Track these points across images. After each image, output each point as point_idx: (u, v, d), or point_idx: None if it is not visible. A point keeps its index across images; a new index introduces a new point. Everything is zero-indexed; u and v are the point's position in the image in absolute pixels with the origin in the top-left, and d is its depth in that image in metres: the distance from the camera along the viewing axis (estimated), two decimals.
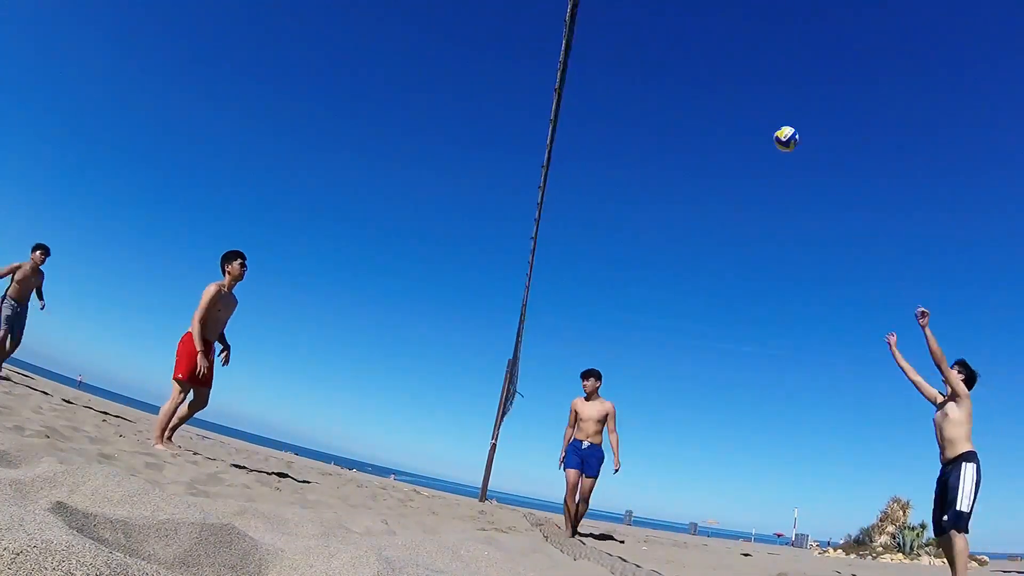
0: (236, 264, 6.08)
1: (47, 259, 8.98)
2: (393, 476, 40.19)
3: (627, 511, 36.36)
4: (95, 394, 21.95)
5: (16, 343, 8.86)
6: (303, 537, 2.12)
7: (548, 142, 8.22)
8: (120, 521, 1.47)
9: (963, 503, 4.78)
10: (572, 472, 7.13)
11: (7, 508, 1.21)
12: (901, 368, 5.59)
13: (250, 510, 2.38)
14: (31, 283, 8.85)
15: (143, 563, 1.20)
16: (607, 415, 7.21)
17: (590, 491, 7.21)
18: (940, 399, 5.26)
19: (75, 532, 1.21)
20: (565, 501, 7.18)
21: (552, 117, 7.83)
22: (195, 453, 6.87)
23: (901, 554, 14.29)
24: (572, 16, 6.35)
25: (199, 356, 5.80)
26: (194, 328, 5.83)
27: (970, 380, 5.22)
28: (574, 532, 7.12)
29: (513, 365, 12.61)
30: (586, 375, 7.38)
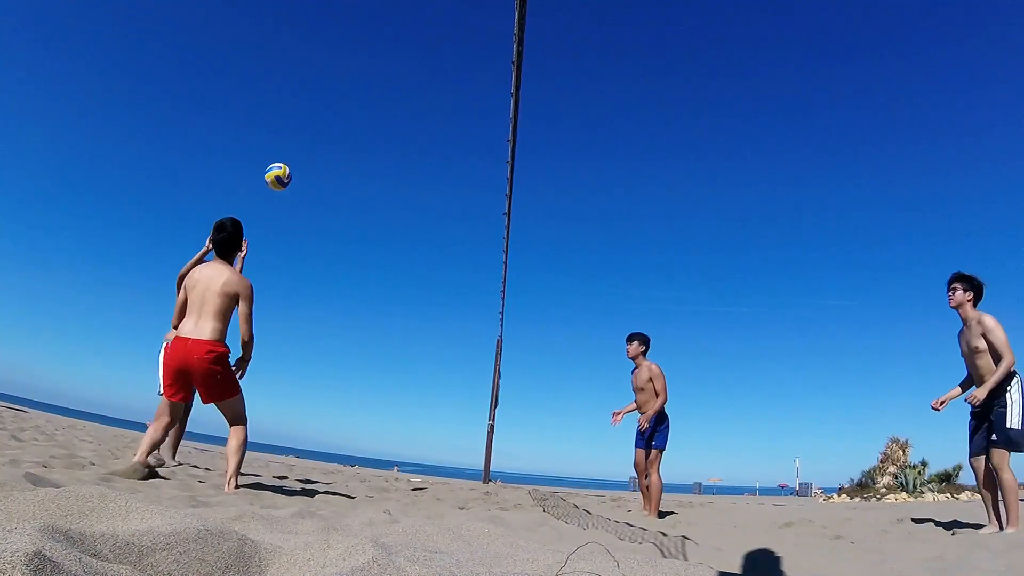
0: None
1: None
2: (396, 468, 40.27)
3: (631, 477, 36.65)
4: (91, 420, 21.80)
5: None
6: (303, 534, 2.14)
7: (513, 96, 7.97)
8: (116, 536, 1.47)
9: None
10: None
11: None
12: None
13: (249, 513, 2.39)
14: None
15: (130, 569, 1.21)
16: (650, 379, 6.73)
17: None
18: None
19: (68, 548, 1.21)
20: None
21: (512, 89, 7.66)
22: (194, 466, 6.87)
23: (904, 493, 14.48)
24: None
25: None
26: None
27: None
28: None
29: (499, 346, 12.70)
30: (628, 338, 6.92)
